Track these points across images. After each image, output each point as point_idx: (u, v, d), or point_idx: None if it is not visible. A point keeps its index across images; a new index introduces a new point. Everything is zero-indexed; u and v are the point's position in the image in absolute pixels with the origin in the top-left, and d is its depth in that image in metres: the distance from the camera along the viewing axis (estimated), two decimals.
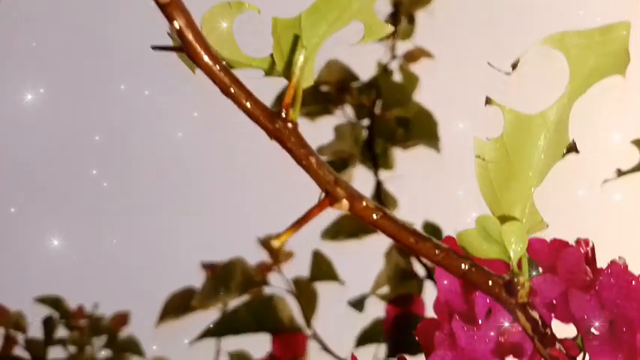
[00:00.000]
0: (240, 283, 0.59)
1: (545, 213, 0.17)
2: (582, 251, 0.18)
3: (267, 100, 0.15)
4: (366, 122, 0.67)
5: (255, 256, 0.61)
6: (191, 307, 0.60)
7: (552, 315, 0.17)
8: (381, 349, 0.58)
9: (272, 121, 0.15)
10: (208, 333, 0.59)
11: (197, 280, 0.62)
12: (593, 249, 0.18)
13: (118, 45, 0.65)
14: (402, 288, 0.61)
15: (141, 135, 0.67)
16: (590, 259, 0.18)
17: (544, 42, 0.16)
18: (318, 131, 0.65)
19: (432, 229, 0.60)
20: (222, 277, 0.60)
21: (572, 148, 0.17)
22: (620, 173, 0.44)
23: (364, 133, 0.67)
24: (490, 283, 0.16)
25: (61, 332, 0.68)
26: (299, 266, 0.62)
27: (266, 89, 0.16)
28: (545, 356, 0.16)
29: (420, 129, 0.66)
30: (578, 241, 0.18)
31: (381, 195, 0.65)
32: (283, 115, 0.15)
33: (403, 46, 0.68)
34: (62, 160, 0.66)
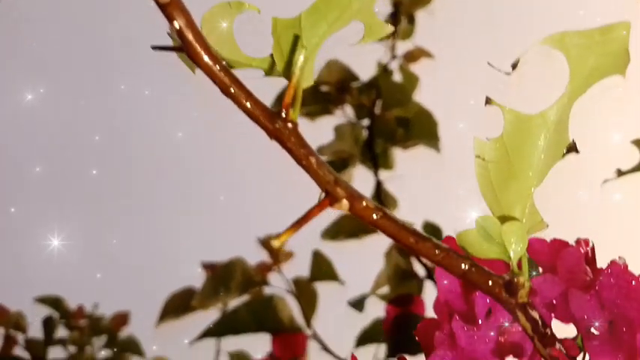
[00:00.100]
0: (240, 283, 0.59)
1: (545, 213, 0.17)
2: (582, 251, 0.18)
3: (268, 100, 0.15)
4: (366, 122, 0.67)
5: (255, 256, 0.61)
6: (191, 307, 0.60)
7: (552, 315, 0.17)
8: (381, 349, 0.58)
9: (272, 121, 0.15)
10: (208, 333, 0.59)
11: (197, 280, 0.62)
12: (593, 249, 0.18)
13: (118, 45, 0.65)
14: (402, 288, 0.60)
15: (141, 135, 0.67)
16: (590, 259, 0.18)
17: (544, 42, 0.16)
18: (318, 131, 0.65)
19: (432, 229, 0.60)
20: (223, 277, 0.60)
21: (572, 148, 0.17)
22: (620, 173, 0.44)
23: (364, 133, 0.67)
24: (490, 283, 0.16)
25: (61, 332, 0.68)
26: (299, 266, 0.62)
27: (266, 89, 0.16)
28: (545, 356, 0.16)
29: (420, 129, 0.66)
30: (578, 241, 0.18)
31: (381, 195, 0.65)
32: (283, 115, 0.15)
33: (403, 46, 0.68)
34: (62, 159, 0.66)
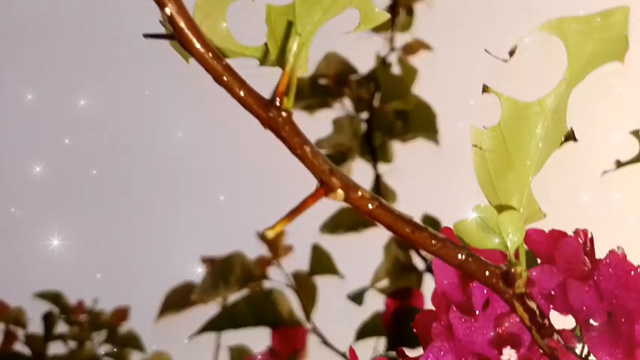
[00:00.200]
0: (240, 277, 0.59)
1: (543, 203, 0.17)
2: (580, 241, 0.18)
3: (266, 92, 0.15)
4: (364, 115, 0.67)
5: (255, 251, 0.61)
6: (191, 302, 0.60)
7: (550, 306, 0.17)
8: (380, 343, 0.58)
9: (266, 109, 0.14)
10: (208, 327, 0.59)
11: (197, 274, 0.62)
12: (591, 240, 0.18)
13: (118, 44, 0.65)
14: (401, 281, 0.60)
15: (141, 135, 0.67)
16: (589, 250, 0.18)
17: (542, 28, 0.16)
18: (317, 124, 0.65)
19: (432, 222, 0.60)
20: (222, 271, 0.60)
21: (571, 137, 0.16)
22: (620, 164, 0.44)
23: (363, 127, 0.66)
24: (487, 273, 0.16)
25: (61, 328, 0.68)
26: (298, 260, 0.62)
27: (266, 81, 0.16)
28: (542, 347, 0.16)
29: (418, 122, 0.65)
30: (576, 232, 0.18)
31: (380, 188, 0.65)
32: (277, 103, 0.14)
33: (402, 39, 0.67)
34: (62, 159, 0.66)
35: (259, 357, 0.59)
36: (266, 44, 0.16)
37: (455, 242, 0.16)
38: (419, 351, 0.17)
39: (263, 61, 0.16)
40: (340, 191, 0.14)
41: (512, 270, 0.16)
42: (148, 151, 0.68)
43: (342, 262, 0.62)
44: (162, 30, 0.15)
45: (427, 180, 0.64)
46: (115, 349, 0.68)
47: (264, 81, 0.16)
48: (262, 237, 0.61)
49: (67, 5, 0.66)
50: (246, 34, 0.16)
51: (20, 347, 0.68)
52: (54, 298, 0.69)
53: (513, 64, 0.16)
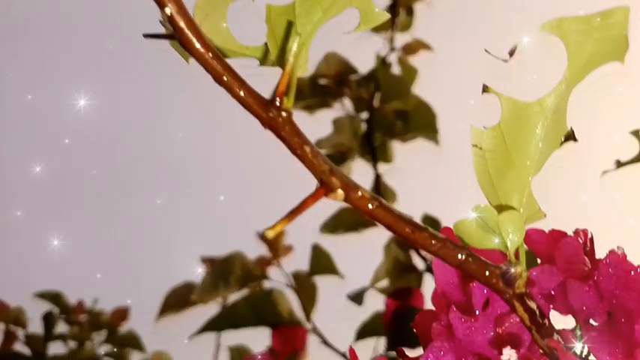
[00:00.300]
0: (240, 277, 0.59)
1: (543, 204, 0.17)
2: (580, 242, 0.18)
3: (267, 94, 0.15)
4: (364, 115, 0.67)
5: (255, 251, 0.61)
6: (191, 302, 0.60)
7: (550, 306, 0.17)
8: (380, 343, 0.58)
9: (266, 109, 0.14)
10: (208, 327, 0.59)
11: (197, 274, 0.62)
12: (591, 240, 0.18)
13: (118, 44, 0.65)
14: (401, 281, 0.60)
15: (141, 135, 0.67)
16: (589, 250, 0.18)
17: (542, 28, 0.16)
18: (317, 124, 0.65)
19: (432, 222, 0.60)
20: (222, 271, 0.60)
21: (571, 137, 0.16)
22: (620, 164, 0.44)
23: (363, 127, 0.66)
24: (487, 273, 0.16)
25: (61, 328, 0.68)
26: (298, 260, 0.62)
27: (267, 81, 0.16)
28: (542, 347, 0.16)
29: (418, 122, 0.65)
30: (576, 232, 0.18)
31: (380, 188, 0.65)
32: (277, 103, 0.14)
33: (402, 39, 0.67)
34: (62, 159, 0.66)
35: (259, 357, 0.59)
36: (266, 44, 0.16)
37: (455, 242, 0.16)
38: (419, 351, 0.17)
39: (263, 61, 0.16)
40: (340, 191, 0.14)
41: (512, 270, 0.16)
42: (148, 151, 0.68)
43: (342, 262, 0.62)
44: (162, 30, 0.15)
45: (427, 180, 0.64)
46: (115, 349, 0.68)
47: (265, 81, 0.16)
48: (262, 237, 0.61)
49: (67, 5, 0.66)
50: (246, 34, 0.16)
51: (20, 347, 0.68)
52: (54, 298, 0.69)
53: (513, 64, 0.16)
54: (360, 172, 0.66)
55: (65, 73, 0.66)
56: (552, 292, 0.17)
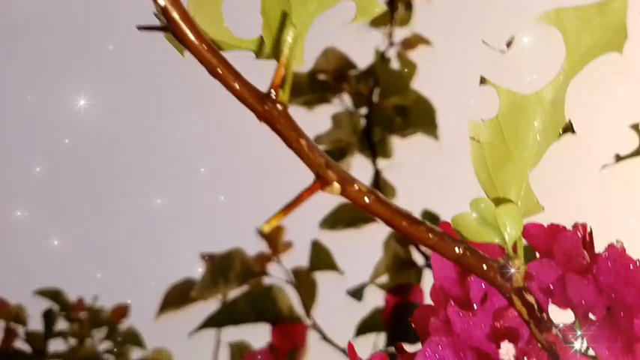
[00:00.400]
0: (240, 273, 0.59)
1: (542, 197, 0.17)
2: (580, 236, 0.18)
3: (264, 88, 0.15)
4: (363, 111, 0.66)
5: (254, 247, 0.61)
6: (191, 298, 0.60)
7: (549, 300, 0.17)
8: (380, 338, 0.58)
9: (261, 102, 0.14)
10: (208, 324, 0.59)
11: (196, 271, 0.62)
12: (591, 234, 0.18)
13: (118, 44, 0.65)
14: (400, 277, 0.60)
15: (141, 135, 0.67)
16: (588, 244, 0.18)
17: (539, 19, 0.15)
18: (316, 120, 0.64)
19: (431, 218, 0.59)
20: (222, 267, 0.60)
21: (569, 129, 0.16)
22: (619, 158, 0.44)
23: (362, 122, 0.66)
24: (485, 267, 0.15)
25: (61, 325, 0.68)
26: (298, 256, 0.62)
27: (265, 75, 0.15)
28: (541, 341, 0.16)
29: (418, 117, 0.65)
30: (575, 226, 0.18)
31: (379, 183, 0.65)
32: (273, 96, 0.14)
33: (401, 33, 0.67)
34: (62, 159, 0.66)
35: (259, 357, 0.59)
36: (262, 37, 0.16)
37: (452, 236, 0.16)
38: (419, 346, 0.17)
39: (259, 53, 0.16)
40: (336, 184, 0.14)
41: (510, 263, 0.16)
42: (147, 151, 0.68)
43: (341, 258, 0.62)
44: (158, 23, 0.15)
45: (427, 175, 0.64)
46: (115, 347, 0.68)
47: (263, 75, 0.15)
48: (262, 233, 0.60)
49: (67, 5, 0.65)
50: (242, 26, 0.16)
51: (21, 344, 0.68)
52: (54, 295, 0.69)
53: (512, 58, 0.16)
54: (360, 167, 0.65)
55: (65, 73, 0.66)
56: (551, 287, 0.17)
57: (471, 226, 0.15)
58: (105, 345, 0.69)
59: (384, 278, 0.62)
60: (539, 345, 0.16)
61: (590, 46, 0.16)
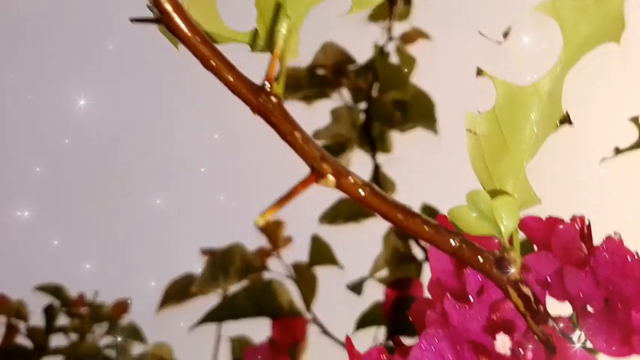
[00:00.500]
0: (240, 268, 0.59)
1: (540, 190, 0.17)
2: (577, 228, 0.18)
3: (259, 81, 0.14)
4: (363, 105, 0.66)
5: (254, 242, 0.61)
6: (191, 293, 0.60)
7: (547, 292, 0.17)
8: (380, 332, 0.58)
9: (255, 95, 0.14)
10: (208, 318, 0.59)
11: (197, 267, 0.62)
12: (589, 226, 0.18)
13: (118, 45, 0.65)
14: (400, 271, 0.60)
15: (141, 135, 0.67)
16: (586, 237, 0.18)
17: (536, 9, 0.15)
18: (315, 115, 0.64)
19: (430, 212, 0.59)
20: (222, 262, 0.60)
21: (566, 120, 0.16)
22: (618, 151, 0.44)
23: (361, 117, 0.66)
24: (481, 259, 0.15)
25: (62, 320, 0.69)
26: (298, 251, 0.62)
27: (262, 68, 0.15)
28: (537, 333, 0.16)
29: (417, 111, 0.65)
30: (573, 218, 0.18)
31: (379, 178, 0.65)
32: (267, 88, 0.14)
33: (400, 28, 0.67)
34: (62, 159, 0.66)
35: (260, 352, 0.59)
36: (256, 29, 0.16)
37: (448, 228, 0.16)
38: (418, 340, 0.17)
39: (254, 46, 0.16)
40: (331, 177, 0.14)
41: (506, 256, 0.16)
42: (147, 151, 0.68)
43: (341, 253, 0.62)
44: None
45: (426, 169, 0.64)
46: (117, 342, 0.68)
47: (259, 67, 0.15)
48: (261, 228, 0.60)
49: (67, 5, 0.65)
50: (236, 19, 0.16)
51: (22, 340, 0.68)
52: (55, 291, 0.69)
53: (509, 48, 0.16)
54: (359, 162, 0.65)
55: (65, 73, 0.66)
56: (549, 279, 0.17)
57: (468, 218, 0.15)
58: (106, 340, 0.69)
59: (383, 272, 0.62)
60: (535, 337, 0.16)
61: (587, 37, 0.15)
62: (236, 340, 0.64)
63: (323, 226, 0.64)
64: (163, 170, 0.67)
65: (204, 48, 0.14)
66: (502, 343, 0.16)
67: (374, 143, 0.66)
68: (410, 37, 0.66)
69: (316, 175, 0.14)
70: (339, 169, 0.14)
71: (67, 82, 0.64)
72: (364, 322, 0.59)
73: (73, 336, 0.68)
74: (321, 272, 0.61)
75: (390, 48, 0.66)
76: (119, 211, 0.68)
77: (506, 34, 0.15)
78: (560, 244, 0.17)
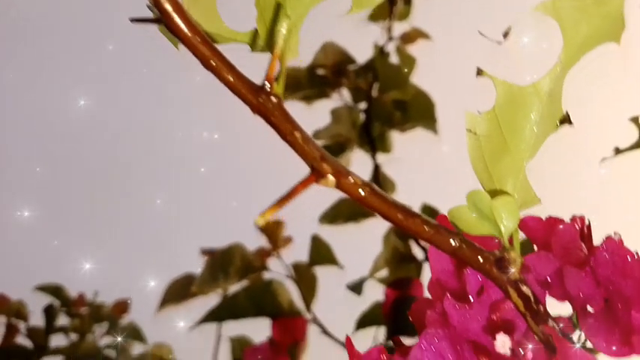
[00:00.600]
0: (240, 268, 0.59)
1: (540, 190, 0.17)
2: (577, 228, 0.18)
3: (259, 81, 0.14)
4: (363, 105, 0.66)
5: (254, 242, 0.61)
6: (191, 293, 0.60)
7: (546, 292, 0.17)
8: (380, 332, 0.58)
9: (255, 95, 0.14)
10: (208, 318, 0.59)
11: (197, 267, 0.62)
12: (589, 226, 0.18)
13: (118, 45, 0.65)
14: (400, 271, 0.60)
15: (141, 135, 0.67)
16: (587, 237, 0.18)
17: (536, 9, 0.15)
18: (315, 115, 0.64)
19: (431, 212, 0.59)
20: (222, 262, 0.60)
21: (566, 120, 0.16)
22: (618, 151, 0.44)
23: (361, 117, 0.66)
24: (481, 259, 0.15)
25: (62, 320, 0.69)
26: (298, 251, 0.62)
27: (263, 69, 0.15)
28: (537, 333, 0.16)
29: (417, 111, 0.65)
30: (573, 218, 0.18)
31: (379, 178, 0.65)
32: (267, 88, 0.14)
33: (400, 28, 0.67)
34: (62, 159, 0.66)
35: (260, 352, 0.59)
36: (256, 29, 0.16)
37: (448, 228, 0.16)
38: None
39: (254, 46, 0.16)
40: (331, 177, 0.14)
41: (506, 256, 0.16)
42: (147, 151, 0.68)
43: (341, 253, 0.62)
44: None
45: (426, 170, 0.64)
46: (117, 342, 0.68)
47: (259, 68, 0.15)
48: (262, 228, 0.60)
49: (67, 5, 0.65)
50: (236, 19, 0.16)
51: (22, 340, 0.68)
52: (55, 291, 0.69)
53: (509, 49, 0.16)
54: (359, 162, 0.65)
55: (65, 73, 0.66)
56: (549, 279, 0.17)
57: (468, 218, 0.15)
58: (106, 340, 0.69)
59: (383, 272, 0.62)
60: (535, 337, 0.16)
61: (587, 37, 0.15)
62: (236, 340, 0.64)
63: (323, 226, 0.64)
64: (163, 170, 0.67)
65: (204, 48, 0.14)
66: (502, 343, 0.16)
67: (374, 143, 0.66)
68: (410, 37, 0.66)
69: (316, 175, 0.14)
70: (339, 169, 0.14)
71: (67, 82, 0.64)
72: (364, 322, 0.59)
73: (73, 336, 0.68)
74: (321, 272, 0.61)
75: (390, 48, 0.66)
76: (119, 211, 0.68)
77: (506, 34, 0.15)
78: (560, 244, 0.17)
